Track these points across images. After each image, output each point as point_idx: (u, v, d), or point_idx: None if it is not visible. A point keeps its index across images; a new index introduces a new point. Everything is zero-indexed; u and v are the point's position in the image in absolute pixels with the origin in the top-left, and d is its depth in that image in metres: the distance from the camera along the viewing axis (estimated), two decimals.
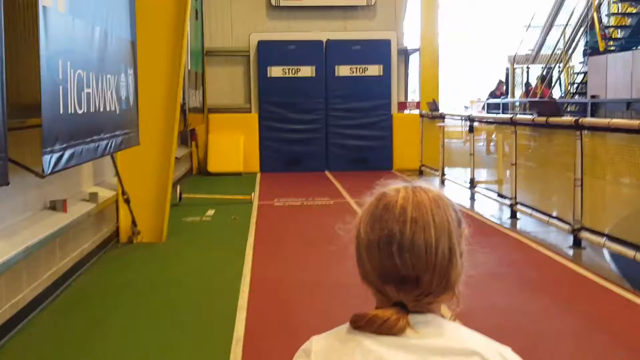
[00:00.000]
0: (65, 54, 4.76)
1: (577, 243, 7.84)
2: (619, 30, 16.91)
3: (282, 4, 16.24)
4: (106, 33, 5.96)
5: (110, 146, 6.12)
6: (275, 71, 16.09)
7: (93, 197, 7.36)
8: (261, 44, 16.15)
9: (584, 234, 7.71)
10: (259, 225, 9.34)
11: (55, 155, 4.56)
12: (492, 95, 21.57)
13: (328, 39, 16.23)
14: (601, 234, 7.37)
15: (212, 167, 15.72)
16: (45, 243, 5.73)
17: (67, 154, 4.77)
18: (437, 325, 1.33)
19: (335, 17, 16.52)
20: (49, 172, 4.47)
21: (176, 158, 10.46)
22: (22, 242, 5.27)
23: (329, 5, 16.40)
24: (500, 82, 21.84)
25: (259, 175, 15.37)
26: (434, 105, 14.80)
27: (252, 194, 11.75)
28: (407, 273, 1.30)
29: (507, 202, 10.03)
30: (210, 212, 10.42)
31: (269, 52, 16.12)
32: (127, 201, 8.10)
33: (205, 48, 16.13)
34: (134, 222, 8.23)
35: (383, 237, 1.32)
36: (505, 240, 8.39)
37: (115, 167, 7.92)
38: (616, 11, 17.76)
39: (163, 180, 8.33)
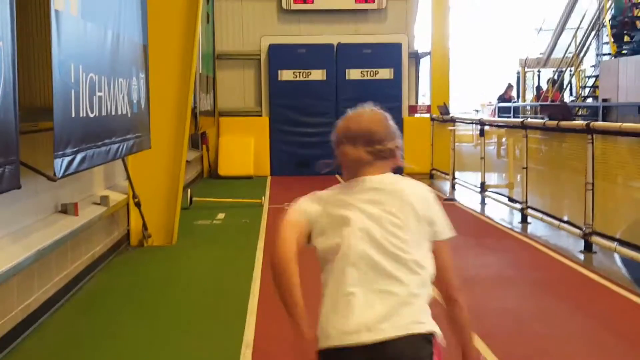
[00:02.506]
0: (77, 58, 4.78)
1: (588, 247, 7.80)
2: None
3: (293, 7, 16.25)
4: (118, 36, 5.98)
5: (122, 149, 6.13)
6: (286, 74, 16.11)
7: (104, 200, 7.39)
8: (272, 48, 16.17)
9: (595, 239, 7.66)
10: (269, 229, 9.33)
11: (67, 159, 4.58)
12: (502, 99, 21.54)
13: (339, 43, 16.22)
14: (612, 239, 7.33)
15: (222, 170, 15.73)
16: (57, 246, 5.76)
17: (78, 157, 4.79)
18: (387, 176, 2.32)
19: (346, 20, 16.51)
20: (60, 175, 4.48)
21: (187, 161, 10.49)
22: (33, 245, 5.30)
23: (340, 9, 16.39)
24: (510, 85, 21.80)
25: (269, 179, 15.38)
26: (444, 109, 14.77)
27: (263, 198, 11.75)
28: (361, 134, 2.31)
29: (518, 206, 9.99)
30: (221, 215, 10.43)
31: (280, 55, 16.13)
32: (138, 204, 8.12)
33: (216, 51, 16.16)
34: (144, 226, 8.25)
35: (349, 117, 2.38)
36: (516, 244, 8.36)
37: (127, 170, 7.94)
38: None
39: (174, 184, 8.35)
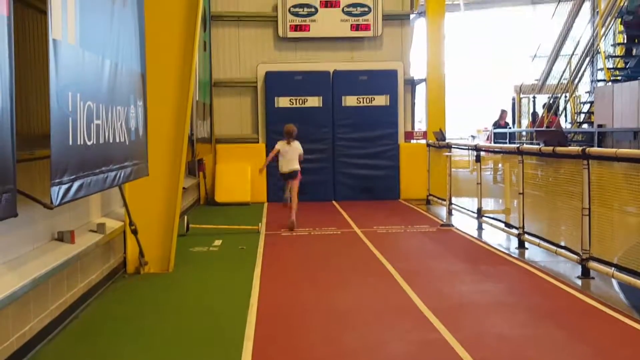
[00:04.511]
0: (75, 86, 4.80)
1: (585, 273, 7.80)
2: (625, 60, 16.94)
3: (289, 35, 16.38)
4: (116, 65, 6.01)
5: (119, 177, 6.14)
6: (283, 101, 16.19)
7: (101, 227, 7.38)
8: (269, 75, 16.26)
9: (593, 264, 7.66)
10: (266, 255, 9.32)
11: (64, 187, 4.58)
12: (497, 125, 21.61)
13: (335, 70, 16.33)
14: (610, 264, 7.32)
15: (219, 197, 15.74)
16: (53, 274, 5.73)
17: (75, 185, 4.79)
18: (294, 143, 12.04)
19: (342, 48, 16.64)
20: (57, 203, 4.48)
21: (184, 188, 10.49)
22: (30, 273, 5.28)
23: (336, 37, 16.52)
24: (503, 111, 21.87)
25: (266, 205, 15.37)
26: (440, 135, 14.82)
27: (260, 224, 11.75)
28: (289, 135, 11.88)
29: (515, 231, 9.99)
30: (218, 242, 10.42)
31: (277, 82, 16.22)
32: (135, 232, 8.11)
33: (213, 79, 16.24)
34: (141, 253, 8.23)
35: (285, 129, 11.98)
36: (513, 270, 8.35)
37: (123, 197, 7.94)
38: (622, 41, 17.81)
39: (170, 211, 8.35)
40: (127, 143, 6.40)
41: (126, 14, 6.56)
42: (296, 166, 11.82)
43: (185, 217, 11.31)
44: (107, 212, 8.44)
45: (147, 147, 7.41)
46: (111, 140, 5.81)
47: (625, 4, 16.12)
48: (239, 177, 15.88)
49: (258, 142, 16.46)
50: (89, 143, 5.11)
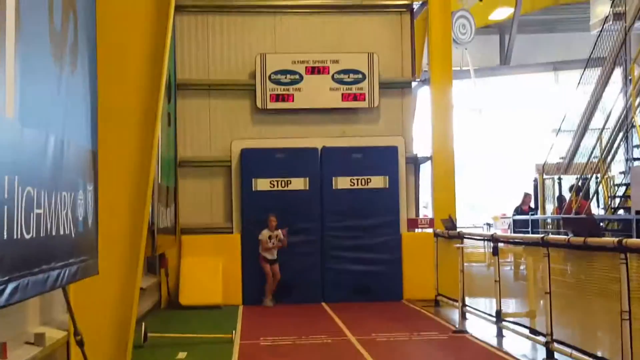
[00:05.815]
0: (12, 168, 4.79)
1: None
2: None
3: (269, 106, 16.55)
4: (62, 142, 6.03)
5: (63, 277, 6.07)
6: (262, 184, 16.23)
7: (39, 338, 7.27)
8: (245, 153, 16.36)
9: None
10: None
11: None
12: (519, 210, 21.72)
13: (324, 146, 16.46)
14: None
15: (184, 299, 15.58)
16: None
17: (9, 288, 4.72)
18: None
19: (332, 121, 16.79)
20: None
21: (141, 289, 10.39)
22: None
23: (325, 108, 16.71)
24: (527, 195, 22.05)
25: (241, 308, 15.23)
26: (450, 223, 14.85)
27: (233, 332, 11.60)
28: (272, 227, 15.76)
29: (542, 339, 9.91)
30: (182, 354, 10.26)
31: (255, 161, 16.30)
32: (81, 343, 7.96)
33: (179, 158, 16.34)
34: None
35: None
36: None
37: (67, 301, 7.83)
38: None
39: (125, 317, 8.24)
40: (73, 235, 6.36)
41: (76, 82, 6.63)
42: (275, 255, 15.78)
43: (143, 324, 11.16)
44: (47, 319, 8.33)
45: (97, 240, 7.37)
46: (54, 233, 5.77)
47: None
48: (208, 274, 15.76)
49: (232, 232, 16.42)
50: (27, 236, 5.07)
